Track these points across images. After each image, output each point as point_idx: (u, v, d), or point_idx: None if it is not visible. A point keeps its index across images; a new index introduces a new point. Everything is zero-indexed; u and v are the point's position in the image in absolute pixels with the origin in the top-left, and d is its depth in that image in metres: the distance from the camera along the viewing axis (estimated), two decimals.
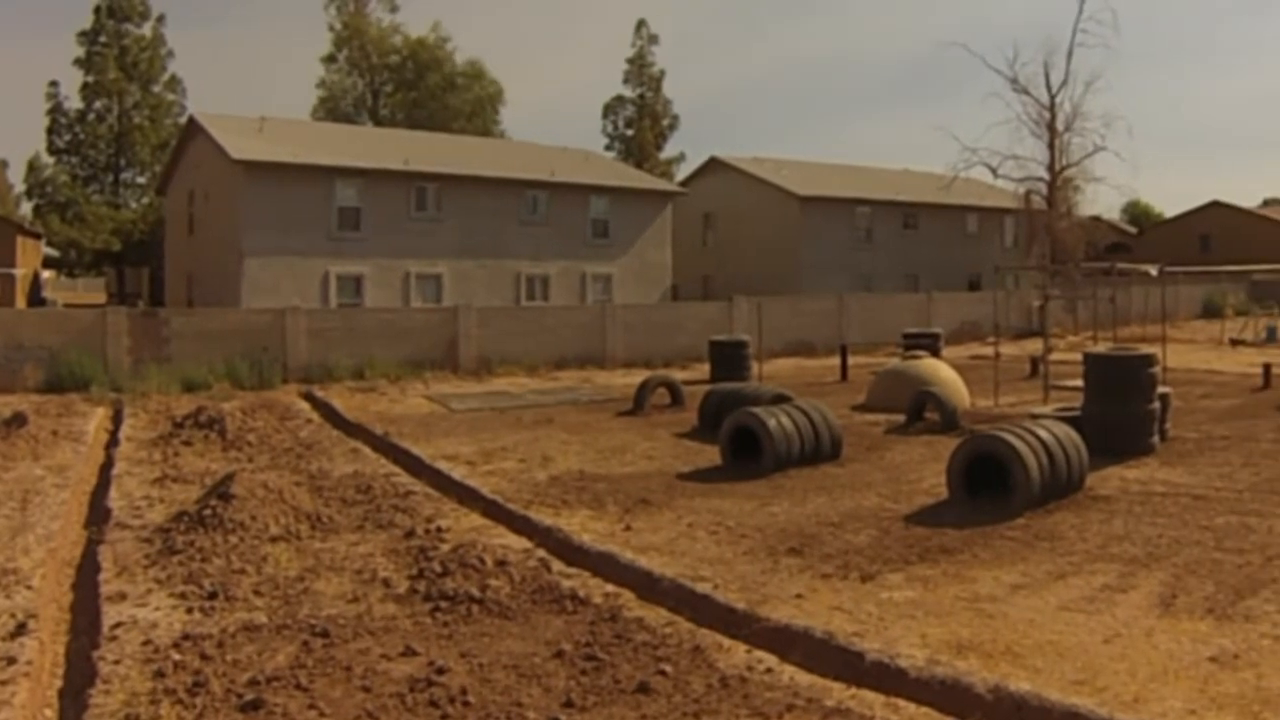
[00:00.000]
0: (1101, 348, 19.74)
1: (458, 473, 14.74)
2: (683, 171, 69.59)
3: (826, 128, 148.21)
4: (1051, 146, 52.35)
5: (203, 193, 40.38)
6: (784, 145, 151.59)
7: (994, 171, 53.11)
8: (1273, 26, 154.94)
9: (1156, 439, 15.83)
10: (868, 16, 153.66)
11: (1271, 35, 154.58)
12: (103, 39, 70.15)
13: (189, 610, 8.83)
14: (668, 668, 7.45)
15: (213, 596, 9.11)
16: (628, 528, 11.82)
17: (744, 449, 15.14)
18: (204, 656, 7.68)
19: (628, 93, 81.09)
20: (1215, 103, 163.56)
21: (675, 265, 45.49)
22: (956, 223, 54.01)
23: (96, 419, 20.62)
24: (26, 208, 73.85)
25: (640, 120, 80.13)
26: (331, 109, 72.61)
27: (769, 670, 7.47)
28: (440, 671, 7.31)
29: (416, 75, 72.92)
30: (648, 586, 9.27)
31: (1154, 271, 27.52)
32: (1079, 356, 16.98)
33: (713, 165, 54.19)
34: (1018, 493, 11.93)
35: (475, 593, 9.08)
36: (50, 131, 70.64)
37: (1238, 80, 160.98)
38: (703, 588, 9.07)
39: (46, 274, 65.34)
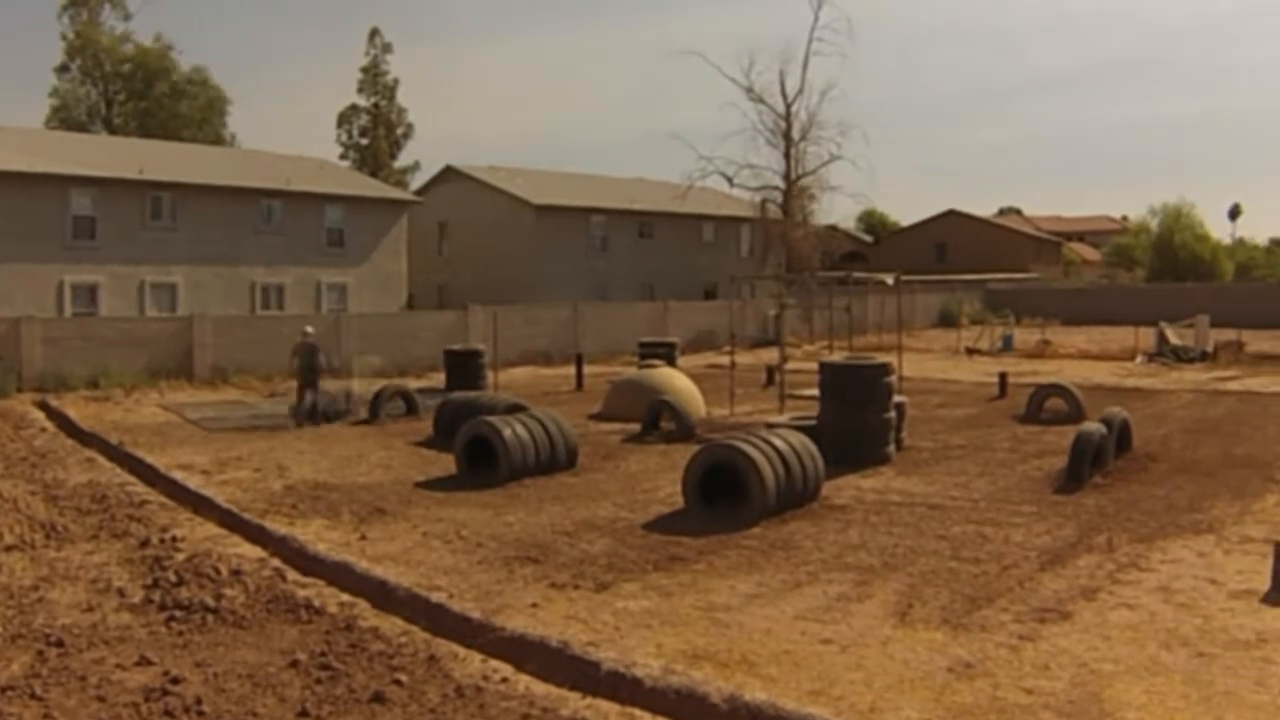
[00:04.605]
0: (837, 357, 20.18)
1: (192, 482, 14.67)
2: (418, 180, 68.79)
3: (562, 135, 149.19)
4: (787, 155, 53.79)
5: None
6: (520, 154, 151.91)
7: (730, 181, 54.40)
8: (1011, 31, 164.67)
9: (893, 448, 16.18)
10: (608, 22, 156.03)
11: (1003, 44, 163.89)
12: None
13: None
14: (403, 677, 7.50)
15: None
16: (363, 537, 11.76)
17: (480, 458, 14.92)
18: None
19: (362, 101, 79.34)
20: (951, 110, 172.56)
21: (411, 274, 45.28)
22: (692, 232, 54.95)
23: None
24: None
25: (375, 129, 78.48)
26: (65, 118, 69.08)
27: (504, 679, 7.47)
28: (175, 681, 7.31)
29: (146, 84, 70.03)
30: (383, 596, 9.30)
31: (890, 280, 28.10)
32: (815, 366, 17.25)
33: (448, 174, 53.52)
34: (753, 502, 11.95)
35: (210, 602, 9.06)
36: None
37: (973, 89, 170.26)
38: (438, 597, 9.08)
39: None
